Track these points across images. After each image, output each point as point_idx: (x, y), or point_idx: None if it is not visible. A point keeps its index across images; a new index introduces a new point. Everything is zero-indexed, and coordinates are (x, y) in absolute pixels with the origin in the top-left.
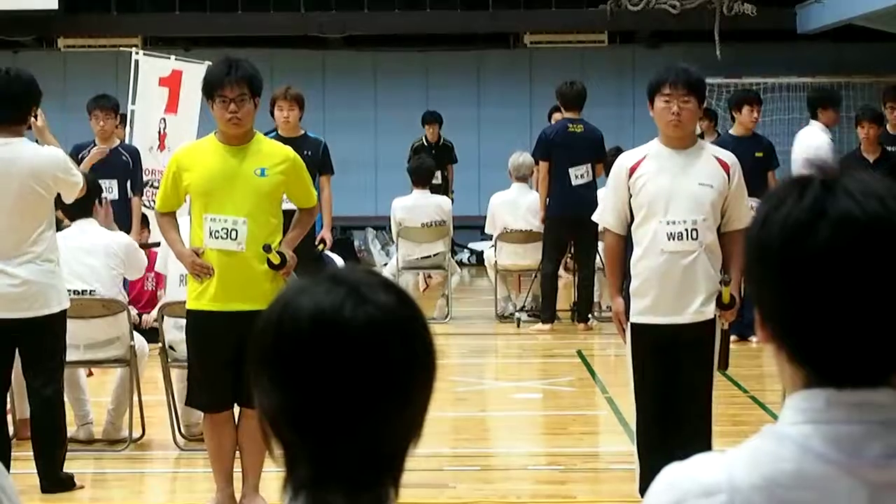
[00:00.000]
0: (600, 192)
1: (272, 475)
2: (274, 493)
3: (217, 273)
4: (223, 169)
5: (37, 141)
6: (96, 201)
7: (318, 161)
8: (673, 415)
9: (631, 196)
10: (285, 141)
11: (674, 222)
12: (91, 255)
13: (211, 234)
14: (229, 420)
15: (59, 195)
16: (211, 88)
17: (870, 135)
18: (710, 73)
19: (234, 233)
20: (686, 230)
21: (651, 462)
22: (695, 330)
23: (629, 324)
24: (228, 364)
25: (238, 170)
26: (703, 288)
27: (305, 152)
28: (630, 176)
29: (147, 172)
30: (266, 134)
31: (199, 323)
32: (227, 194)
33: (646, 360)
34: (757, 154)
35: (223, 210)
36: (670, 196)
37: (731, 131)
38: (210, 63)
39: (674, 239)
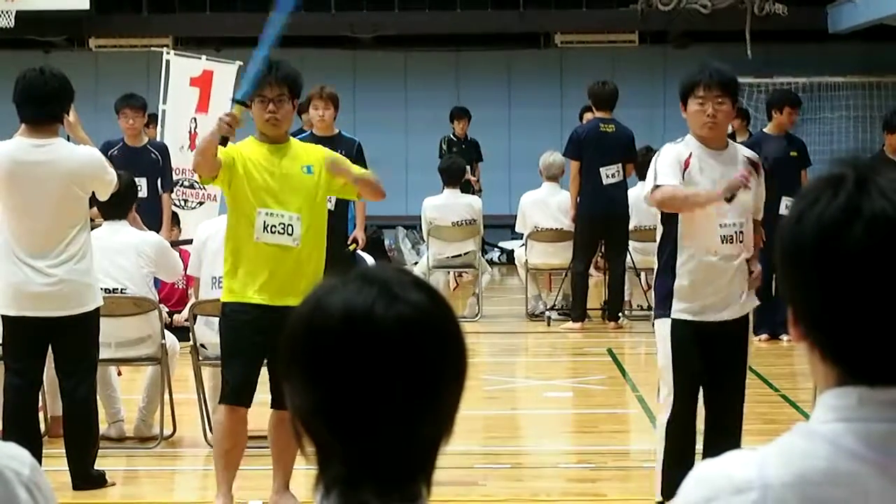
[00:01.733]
0: (631, 192)
1: (302, 472)
2: (305, 491)
3: (269, 268)
4: (276, 166)
5: (68, 138)
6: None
7: (352, 160)
8: (712, 409)
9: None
10: (320, 140)
11: (725, 225)
12: (122, 255)
13: (266, 228)
14: (246, 421)
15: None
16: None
17: None
18: (741, 72)
19: (290, 228)
20: (736, 233)
21: (681, 460)
22: (734, 325)
23: (670, 319)
24: (262, 359)
25: (289, 167)
26: (743, 286)
27: (340, 152)
28: (685, 169)
29: (177, 171)
30: (294, 134)
31: (241, 315)
32: (282, 190)
33: (688, 356)
34: (792, 153)
35: (280, 205)
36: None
37: (765, 129)
38: (241, 63)
39: (727, 242)
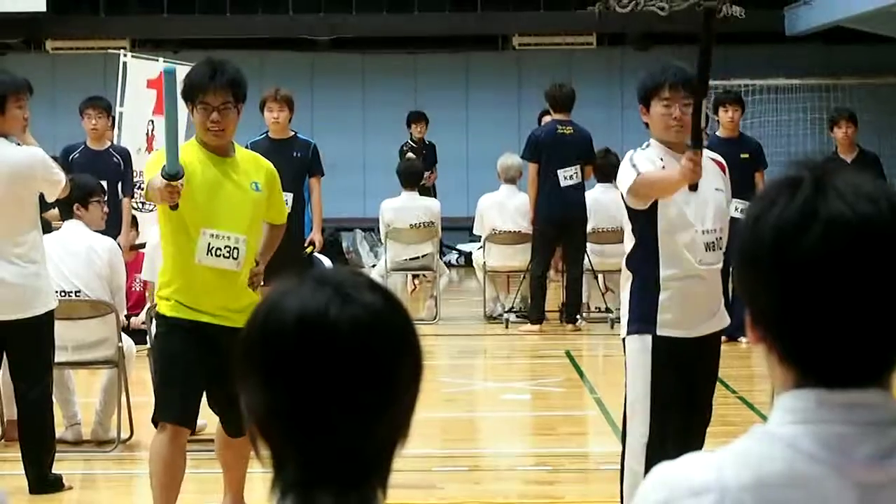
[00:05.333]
0: (589, 194)
1: (258, 476)
2: (261, 495)
3: (208, 290)
4: (222, 182)
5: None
6: (77, 204)
7: (307, 163)
8: (686, 426)
9: (658, 201)
10: (275, 142)
11: (707, 231)
12: (77, 257)
13: (210, 250)
14: (185, 451)
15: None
16: (192, 93)
17: (848, 134)
18: None
19: (235, 251)
20: (717, 239)
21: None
22: (713, 339)
23: (650, 336)
24: (204, 379)
25: (237, 184)
26: (722, 296)
27: (295, 154)
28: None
29: (136, 174)
30: (259, 136)
31: (182, 328)
32: (228, 209)
33: (669, 373)
34: (742, 155)
35: (226, 226)
36: (698, 205)
37: (717, 133)
38: None
39: (710, 249)
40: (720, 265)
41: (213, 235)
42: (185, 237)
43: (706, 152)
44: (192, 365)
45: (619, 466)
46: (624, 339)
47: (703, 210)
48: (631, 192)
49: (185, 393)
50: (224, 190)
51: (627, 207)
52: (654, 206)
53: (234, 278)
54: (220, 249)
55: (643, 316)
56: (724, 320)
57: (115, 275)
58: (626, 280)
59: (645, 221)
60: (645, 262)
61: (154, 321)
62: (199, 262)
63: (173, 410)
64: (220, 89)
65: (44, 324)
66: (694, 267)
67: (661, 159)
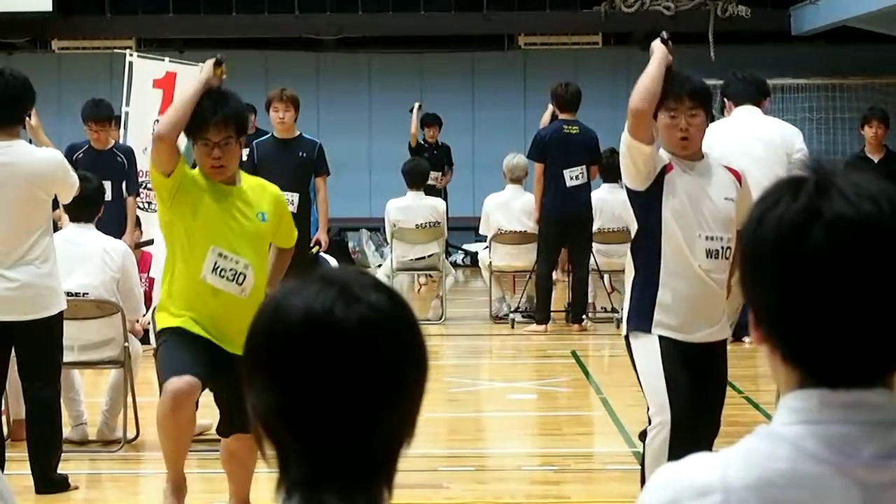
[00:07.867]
0: (595, 194)
1: (264, 476)
2: (266, 494)
3: (209, 311)
4: (230, 210)
5: (30, 141)
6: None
7: (313, 162)
8: (698, 427)
9: (663, 194)
10: (281, 142)
11: (710, 238)
12: (86, 259)
13: (216, 269)
14: (191, 405)
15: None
16: (193, 129)
17: (878, 134)
18: (705, 74)
19: (241, 277)
20: (721, 248)
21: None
22: (717, 348)
23: (655, 336)
24: (209, 361)
25: (243, 214)
26: (725, 304)
27: (301, 153)
28: (667, 172)
29: (141, 174)
30: (262, 137)
31: (186, 332)
32: (236, 236)
33: (677, 371)
34: None
35: (233, 249)
36: (702, 212)
37: None
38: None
39: (712, 257)
40: (724, 275)
41: (222, 256)
42: (191, 254)
43: (722, 160)
44: (198, 350)
45: (623, 466)
46: (626, 337)
47: (709, 216)
48: (629, 131)
49: (191, 358)
50: (231, 219)
51: (632, 202)
52: (659, 199)
53: (237, 304)
54: (226, 271)
55: (641, 312)
56: (726, 331)
57: (127, 278)
58: (629, 274)
59: (649, 216)
60: (647, 257)
61: (156, 336)
62: (204, 278)
63: (176, 369)
64: (222, 124)
65: (56, 324)
66: (692, 268)
67: (670, 161)
